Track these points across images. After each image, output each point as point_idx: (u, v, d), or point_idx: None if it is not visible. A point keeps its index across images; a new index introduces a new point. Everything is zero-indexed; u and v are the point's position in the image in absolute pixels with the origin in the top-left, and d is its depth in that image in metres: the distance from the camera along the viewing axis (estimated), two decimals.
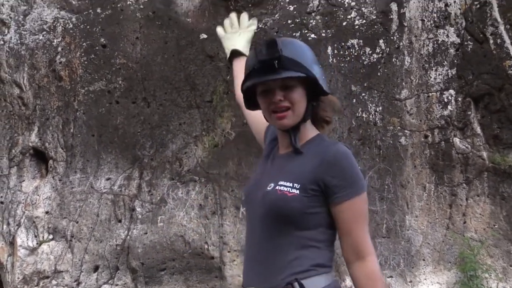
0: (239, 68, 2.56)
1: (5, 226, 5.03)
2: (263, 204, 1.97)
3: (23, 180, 5.11)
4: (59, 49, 5.11)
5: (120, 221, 4.99)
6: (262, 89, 2.05)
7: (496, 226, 4.71)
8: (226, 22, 2.78)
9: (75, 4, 5.22)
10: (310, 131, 2.11)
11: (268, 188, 1.97)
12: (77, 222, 4.99)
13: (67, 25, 5.15)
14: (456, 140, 4.78)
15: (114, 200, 5.01)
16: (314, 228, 1.95)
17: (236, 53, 2.67)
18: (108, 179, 5.03)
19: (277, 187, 1.95)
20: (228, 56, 2.67)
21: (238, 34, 2.69)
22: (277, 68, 1.95)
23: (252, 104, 2.18)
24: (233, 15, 2.75)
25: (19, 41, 5.12)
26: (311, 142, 2.07)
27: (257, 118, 2.41)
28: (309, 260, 1.92)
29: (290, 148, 2.08)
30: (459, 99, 4.80)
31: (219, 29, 2.82)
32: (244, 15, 2.76)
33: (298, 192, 1.92)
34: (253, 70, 2.00)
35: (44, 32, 5.14)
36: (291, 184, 1.94)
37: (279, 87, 2.00)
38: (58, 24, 5.15)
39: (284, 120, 2.01)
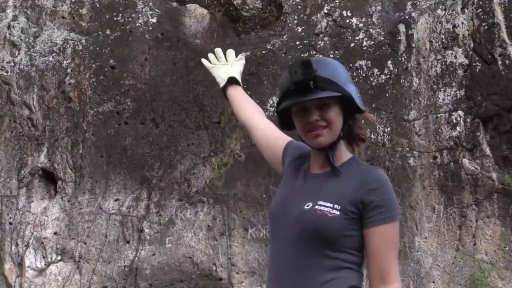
0: (240, 95, 2.56)
1: (13, 247, 5.03)
2: (298, 222, 1.95)
3: (32, 201, 5.13)
4: (69, 70, 5.15)
5: (128, 242, 4.98)
6: (297, 109, 2.03)
7: (506, 248, 4.67)
8: (212, 55, 2.75)
9: (84, 26, 5.26)
10: (344, 153, 2.09)
11: (306, 207, 1.95)
12: (85, 243, 4.99)
13: (77, 46, 5.19)
14: (465, 161, 4.76)
15: (123, 221, 5.01)
16: (349, 250, 1.95)
17: (231, 81, 2.66)
18: (116, 200, 5.04)
19: (316, 207, 1.93)
20: (223, 84, 2.63)
21: (230, 65, 2.67)
22: (313, 88, 1.95)
23: (286, 124, 2.18)
24: (218, 49, 2.72)
25: (29, 63, 5.16)
26: (347, 164, 2.06)
27: (271, 140, 2.40)
28: (345, 281, 1.92)
29: (325, 168, 2.05)
30: (468, 120, 4.79)
31: (205, 61, 2.77)
32: (231, 51, 2.74)
33: (339, 214, 1.91)
34: (288, 91, 2.00)
35: (54, 54, 5.18)
36: (331, 205, 1.93)
37: (315, 107, 1.99)
38: (68, 45, 5.19)
39: (320, 138, 1.98)
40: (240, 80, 2.60)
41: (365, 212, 1.92)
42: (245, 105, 2.46)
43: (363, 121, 2.15)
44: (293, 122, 2.10)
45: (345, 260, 1.94)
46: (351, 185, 1.97)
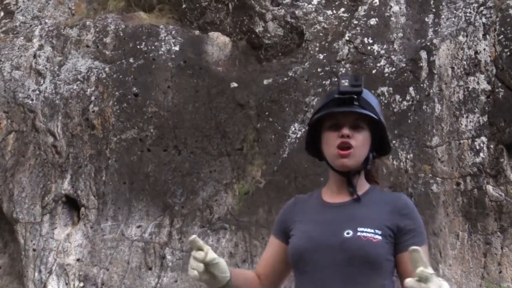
0: (238, 274, 2.32)
1: (36, 274, 5.06)
2: (344, 251, 1.93)
3: (55, 228, 5.16)
4: (92, 98, 5.22)
5: (150, 268, 4.99)
6: (331, 123, 2.03)
7: None
8: (196, 253, 2.07)
9: (108, 54, 5.34)
10: (365, 183, 2.11)
11: (347, 235, 1.93)
12: (107, 270, 5.00)
13: (100, 74, 5.27)
14: (489, 188, 4.72)
15: (145, 247, 5.02)
16: (390, 275, 1.98)
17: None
18: (139, 226, 5.05)
19: (358, 234, 1.93)
20: (226, 280, 2.15)
21: (217, 260, 2.16)
22: (355, 104, 1.97)
23: (310, 145, 2.16)
24: (194, 239, 2.05)
25: (54, 91, 5.25)
26: (370, 192, 2.07)
27: (276, 263, 2.18)
28: None
29: (345, 197, 2.05)
30: (491, 146, 4.77)
31: (194, 272, 2.08)
32: (193, 239, 2.09)
33: (381, 238, 1.93)
34: (332, 100, 2.01)
35: (78, 82, 5.26)
36: (372, 230, 1.93)
37: (349, 125, 1.99)
38: (92, 74, 5.27)
39: (346, 159, 1.98)
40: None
41: (400, 237, 1.95)
42: (248, 276, 2.24)
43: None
44: (317, 145, 2.10)
45: (387, 285, 1.97)
46: (384, 210, 1.99)
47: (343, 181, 2.06)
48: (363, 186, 2.08)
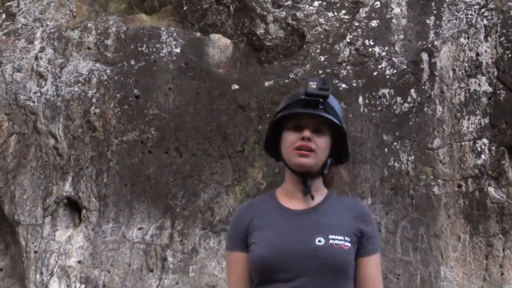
0: None
1: (38, 276, 5.06)
2: (316, 259, 1.92)
3: (57, 230, 5.16)
4: (94, 100, 5.23)
5: (151, 270, 4.99)
6: (293, 124, 2.01)
7: None
8: None
9: (109, 57, 5.35)
10: (322, 187, 2.10)
11: (319, 243, 1.93)
12: (109, 272, 5.00)
13: (102, 76, 5.27)
14: (491, 190, 4.72)
15: (146, 249, 5.02)
16: (352, 279, 1.99)
17: None
18: (140, 228, 5.05)
19: (330, 241, 1.93)
20: None
21: None
22: (320, 108, 1.97)
23: (270, 143, 2.12)
24: None
25: (55, 93, 5.25)
26: (329, 198, 2.08)
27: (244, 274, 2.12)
28: None
29: (307, 202, 2.04)
30: (493, 148, 4.76)
31: None
32: None
33: (350, 245, 1.95)
34: (297, 101, 2.00)
35: (80, 84, 5.27)
36: (343, 238, 1.95)
37: (311, 128, 1.99)
38: (93, 76, 5.28)
39: (305, 159, 1.96)
40: None
41: (362, 242, 1.99)
42: None
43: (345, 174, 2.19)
44: (277, 144, 2.08)
45: None
46: (347, 216, 2.02)
47: (300, 182, 2.03)
48: (320, 190, 2.08)
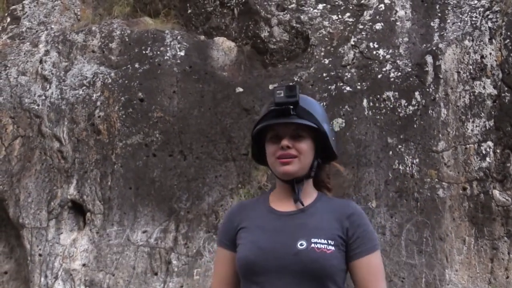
0: None
1: (42, 279, 5.06)
2: (297, 263, 1.91)
3: (61, 233, 5.17)
4: (98, 103, 5.23)
5: (156, 274, 4.99)
6: (272, 135, 2.03)
7: None
8: None
9: (114, 60, 5.36)
10: (313, 190, 2.10)
11: (300, 247, 1.92)
12: (113, 275, 5.00)
13: (106, 80, 5.28)
14: (496, 193, 4.71)
15: (151, 252, 5.02)
16: (342, 284, 1.96)
17: None
18: (144, 231, 5.06)
19: (312, 245, 1.92)
20: None
21: None
22: (292, 114, 1.97)
23: (256, 155, 2.17)
24: None
25: (60, 96, 5.26)
26: (319, 200, 2.07)
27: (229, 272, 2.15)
28: None
29: (296, 205, 2.04)
30: (498, 150, 4.75)
31: None
32: None
33: (334, 249, 1.92)
34: (269, 112, 2.00)
35: (84, 87, 5.28)
36: (325, 241, 1.93)
37: (289, 135, 2.00)
38: (98, 79, 5.29)
39: (288, 166, 1.98)
40: None
41: (351, 245, 1.96)
42: None
43: (346, 173, 2.17)
44: (264, 154, 2.09)
45: None
46: (334, 219, 1.99)
47: (289, 188, 2.05)
48: (310, 193, 2.08)
